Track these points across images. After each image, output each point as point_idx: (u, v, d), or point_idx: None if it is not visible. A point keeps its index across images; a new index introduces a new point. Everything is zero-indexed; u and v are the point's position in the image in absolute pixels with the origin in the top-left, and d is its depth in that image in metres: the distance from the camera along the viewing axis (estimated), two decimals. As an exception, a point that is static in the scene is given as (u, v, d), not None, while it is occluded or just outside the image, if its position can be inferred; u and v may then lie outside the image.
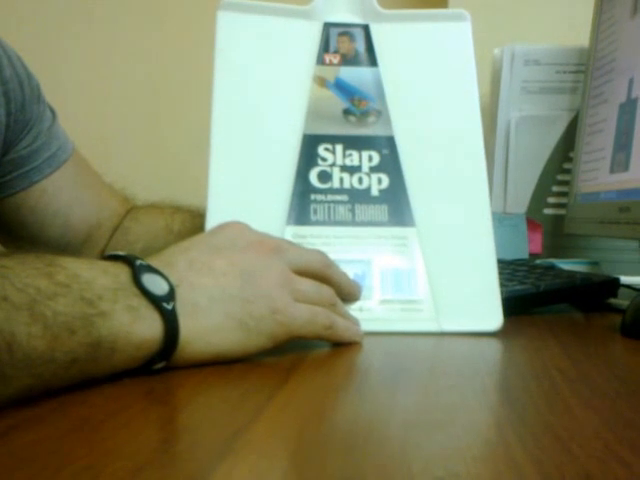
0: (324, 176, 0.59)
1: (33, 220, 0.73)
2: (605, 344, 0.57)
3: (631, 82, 0.79)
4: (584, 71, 0.98)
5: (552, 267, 0.84)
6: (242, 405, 0.37)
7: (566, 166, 1.06)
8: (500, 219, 1.05)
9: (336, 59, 0.62)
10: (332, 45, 0.62)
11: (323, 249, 0.55)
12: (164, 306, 0.42)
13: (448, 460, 0.29)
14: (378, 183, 0.59)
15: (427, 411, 0.36)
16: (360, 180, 0.60)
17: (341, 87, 0.61)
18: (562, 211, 1.03)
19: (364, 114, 0.61)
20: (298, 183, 0.59)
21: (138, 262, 0.43)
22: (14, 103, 0.69)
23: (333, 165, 0.60)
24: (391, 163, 0.60)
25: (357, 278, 0.57)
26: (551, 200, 1.08)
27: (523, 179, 1.08)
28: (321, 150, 0.60)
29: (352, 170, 0.60)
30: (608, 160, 0.83)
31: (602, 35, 0.91)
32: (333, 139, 0.60)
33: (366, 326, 0.54)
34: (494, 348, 0.54)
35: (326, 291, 0.52)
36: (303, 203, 0.58)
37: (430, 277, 0.57)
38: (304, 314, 0.49)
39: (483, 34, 1.21)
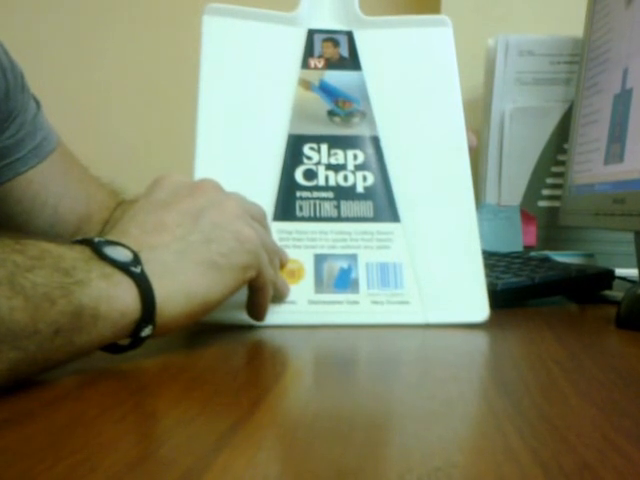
0: (309, 174, 0.60)
1: (20, 211, 0.73)
2: (600, 336, 0.58)
3: (626, 72, 0.79)
4: (578, 62, 0.98)
5: (547, 259, 0.84)
6: (238, 399, 0.37)
7: (560, 158, 1.06)
8: (494, 211, 1.05)
9: (321, 63, 0.63)
10: (317, 50, 0.64)
11: (309, 244, 0.58)
12: (133, 270, 0.42)
13: (446, 451, 0.29)
14: (363, 180, 0.61)
15: (424, 402, 0.36)
16: (345, 178, 0.61)
17: (325, 89, 0.63)
18: (556, 203, 1.03)
19: (348, 115, 0.62)
20: (283, 181, 0.60)
21: (96, 239, 0.43)
22: None
23: (318, 164, 0.61)
24: (376, 161, 0.61)
25: (343, 272, 0.58)
26: (545, 192, 1.08)
27: (517, 171, 1.08)
28: (306, 149, 0.61)
29: (337, 168, 0.61)
30: (603, 151, 0.83)
31: (596, 25, 0.91)
32: (318, 139, 0.61)
33: (353, 319, 0.56)
34: (489, 340, 0.54)
35: (271, 238, 0.53)
36: (288, 200, 0.59)
37: (416, 270, 0.58)
38: (265, 250, 0.50)
39: (477, 24, 1.22)
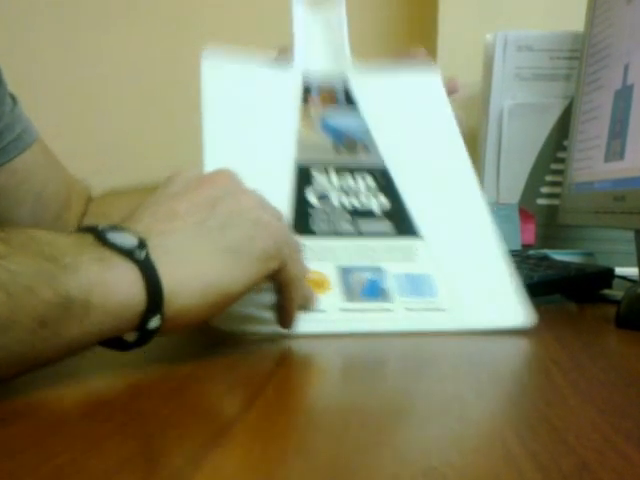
0: (322, 196, 0.60)
1: (3, 201, 0.73)
2: (600, 335, 0.57)
3: (627, 68, 0.79)
4: (579, 57, 0.97)
5: (546, 258, 0.84)
6: (231, 396, 0.36)
7: (560, 155, 1.05)
8: (492, 209, 1.05)
9: (319, 101, 0.64)
10: (314, 89, 0.65)
11: (330, 257, 0.56)
12: (136, 255, 0.38)
13: (443, 450, 0.28)
14: (377, 203, 0.60)
15: (421, 401, 0.36)
16: (359, 200, 0.60)
17: (328, 128, 0.63)
18: (556, 201, 1.02)
19: (353, 148, 0.63)
20: (295, 202, 0.58)
21: (100, 225, 0.39)
22: None
23: (330, 187, 0.60)
24: (387, 186, 0.61)
25: (371, 282, 0.55)
26: (544, 190, 1.08)
27: (516, 168, 1.08)
28: (315, 174, 0.60)
29: (349, 191, 0.60)
30: (603, 148, 0.83)
31: (597, 20, 0.91)
32: (326, 165, 0.61)
33: (389, 326, 0.53)
34: (487, 340, 0.53)
35: (298, 244, 0.50)
36: (303, 216, 0.58)
37: (446, 281, 0.56)
38: (290, 244, 0.47)
39: (475, 19, 1.22)
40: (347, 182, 0.60)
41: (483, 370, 0.43)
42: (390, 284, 0.55)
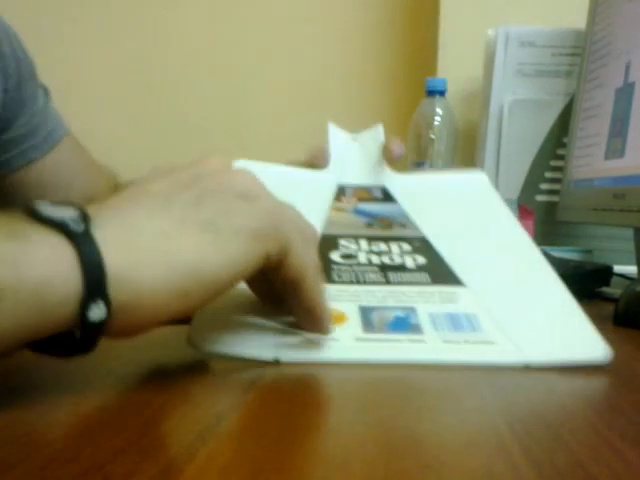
0: (348, 256, 0.51)
1: (34, 196, 0.74)
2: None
3: (628, 66, 0.79)
4: (580, 54, 0.97)
5: (544, 254, 0.83)
6: (224, 390, 0.36)
7: (560, 152, 1.05)
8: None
9: (353, 199, 0.58)
10: (348, 193, 0.59)
11: (352, 299, 0.46)
12: (70, 228, 0.30)
13: (437, 447, 0.28)
14: (413, 260, 0.51)
15: (415, 398, 0.36)
16: (392, 259, 0.51)
17: (361, 212, 0.57)
18: (555, 198, 1.02)
19: (388, 225, 0.55)
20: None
21: (42, 201, 0.32)
22: (11, 80, 0.69)
23: (358, 250, 0.52)
24: (426, 249, 0.52)
25: (399, 319, 0.45)
26: (544, 186, 1.07)
27: (515, 164, 1.07)
28: (342, 242, 0.53)
29: (380, 253, 0.52)
30: (603, 146, 0.82)
31: (599, 17, 0.91)
32: (356, 236, 0.53)
33: (420, 356, 0.42)
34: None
35: (313, 231, 0.40)
36: (323, 270, 0.43)
37: (494, 319, 0.45)
38: (295, 227, 0.37)
39: (476, 14, 1.21)
40: (379, 247, 0.52)
41: (477, 367, 0.43)
42: (422, 320, 0.45)
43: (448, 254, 0.51)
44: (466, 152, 1.14)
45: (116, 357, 0.41)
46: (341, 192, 0.59)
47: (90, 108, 1.37)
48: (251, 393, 0.35)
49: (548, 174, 1.07)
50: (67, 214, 0.31)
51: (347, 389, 0.37)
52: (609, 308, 0.60)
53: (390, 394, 0.36)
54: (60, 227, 0.30)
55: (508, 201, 1.05)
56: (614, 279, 0.76)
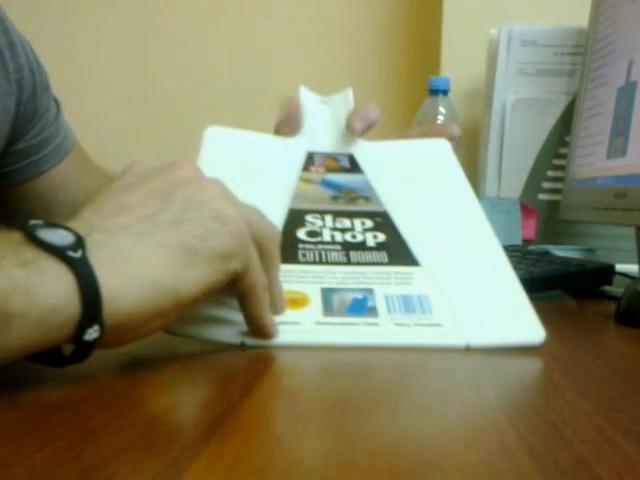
0: (313, 234, 0.55)
1: (41, 207, 0.74)
2: (599, 331, 0.57)
3: (630, 65, 0.79)
4: (583, 53, 0.97)
5: (546, 253, 0.84)
6: (228, 387, 0.36)
7: (562, 150, 1.05)
8: (493, 204, 1.05)
9: (322, 169, 0.61)
10: (317, 162, 0.62)
11: (314, 281, 0.50)
12: (69, 255, 0.33)
13: (439, 443, 0.28)
14: (374, 238, 0.55)
15: (417, 394, 0.36)
16: (354, 237, 0.55)
17: (328, 184, 0.60)
18: (557, 196, 1.02)
19: (354, 199, 0.59)
20: (284, 238, 0.48)
21: (32, 221, 0.35)
22: (26, 92, 0.69)
23: (323, 227, 0.56)
24: (386, 226, 0.56)
25: (357, 301, 0.49)
26: (546, 185, 1.07)
27: (518, 163, 1.07)
28: (309, 217, 0.56)
29: (344, 230, 0.56)
30: (605, 145, 0.82)
31: (601, 16, 0.90)
32: (321, 211, 0.57)
33: (374, 339, 0.46)
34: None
35: (276, 232, 0.45)
36: (289, 249, 0.52)
37: (445, 300, 0.50)
38: (258, 242, 0.41)
39: (479, 13, 1.21)
40: (343, 223, 0.56)
41: (480, 364, 0.43)
42: (379, 303, 0.49)
43: (406, 231, 0.56)
44: (469, 150, 1.14)
45: (117, 355, 0.41)
46: (310, 160, 0.62)
47: (90, 108, 1.37)
48: (253, 392, 0.35)
49: (550, 173, 1.07)
50: (64, 239, 0.34)
51: (347, 388, 0.38)
52: (611, 307, 0.60)
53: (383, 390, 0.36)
54: (60, 254, 0.33)
55: (510, 200, 1.05)
56: (616, 278, 0.76)
